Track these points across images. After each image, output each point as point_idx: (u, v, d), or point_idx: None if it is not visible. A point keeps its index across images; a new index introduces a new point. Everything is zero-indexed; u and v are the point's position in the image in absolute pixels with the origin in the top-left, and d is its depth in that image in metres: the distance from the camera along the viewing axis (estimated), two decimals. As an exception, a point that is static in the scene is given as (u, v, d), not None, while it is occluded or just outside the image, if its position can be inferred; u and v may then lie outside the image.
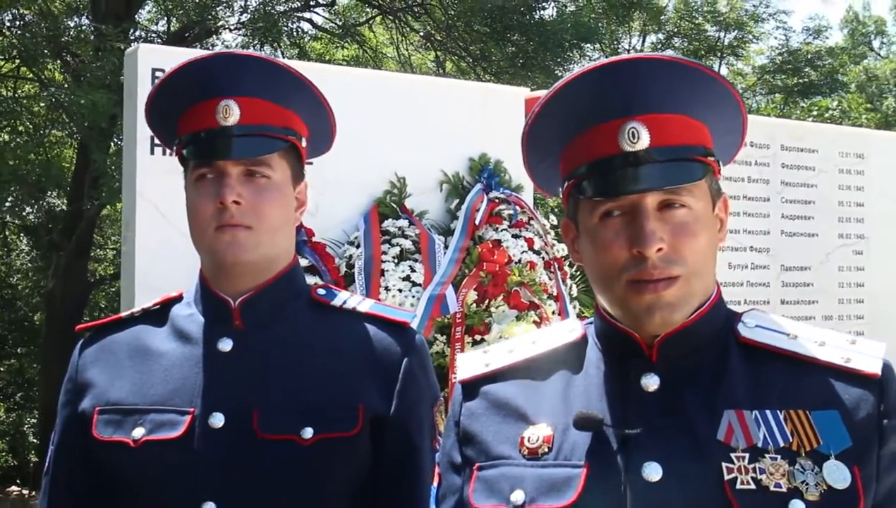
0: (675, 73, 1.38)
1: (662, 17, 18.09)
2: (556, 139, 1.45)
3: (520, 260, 5.08)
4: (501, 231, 5.09)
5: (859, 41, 27.43)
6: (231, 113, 1.73)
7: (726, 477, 1.32)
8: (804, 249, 6.77)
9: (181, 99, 1.77)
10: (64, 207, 10.91)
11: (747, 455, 1.33)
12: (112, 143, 9.13)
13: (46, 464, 1.86)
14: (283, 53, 11.06)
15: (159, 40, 10.99)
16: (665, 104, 1.39)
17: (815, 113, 17.33)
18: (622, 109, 1.38)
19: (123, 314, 1.92)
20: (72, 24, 10.22)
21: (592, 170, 1.40)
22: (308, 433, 1.69)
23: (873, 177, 7.11)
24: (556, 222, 5.57)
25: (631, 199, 1.37)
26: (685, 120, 1.41)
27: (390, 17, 12.44)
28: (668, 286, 1.36)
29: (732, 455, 1.34)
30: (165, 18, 11.95)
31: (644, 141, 1.37)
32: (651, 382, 1.41)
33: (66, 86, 8.93)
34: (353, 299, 1.88)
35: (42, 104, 9.78)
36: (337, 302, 1.87)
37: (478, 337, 4.82)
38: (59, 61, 10.07)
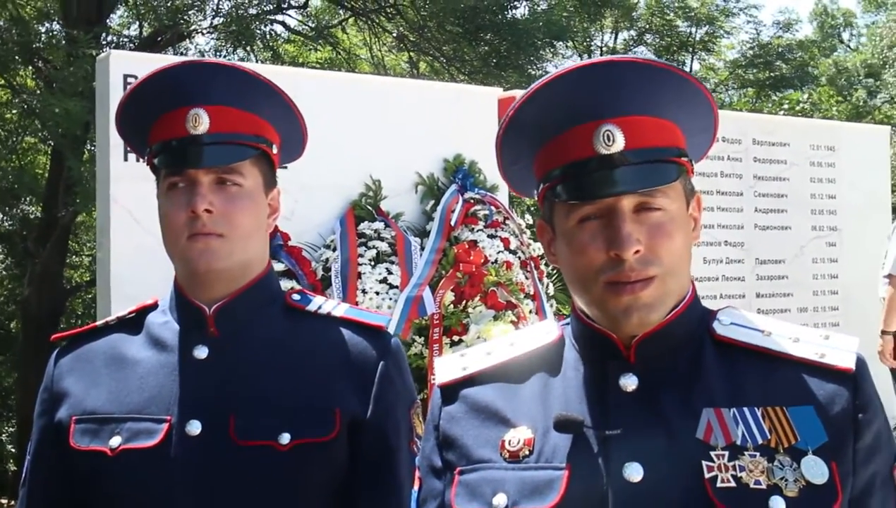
0: (648, 75, 1.38)
1: (634, 14, 18.19)
2: (531, 142, 1.46)
3: (496, 260, 5.09)
4: (477, 231, 5.11)
5: (828, 33, 27.64)
6: (201, 121, 1.74)
7: (707, 476, 1.32)
8: (778, 242, 6.83)
9: (151, 108, 1.78)
10: (38, 214, 10.84)
11: (727, 453, 1.34)
12: (86, 150, 9.08)
13: (23, 474, 1.86)
14: (256, 57, 11.02)
15: (131, 45, 10.91)
16: (638, 106, 1.39)
17: (786, 106, 17.45)
18: (596, 112, 1.38)
19: (98, 323, 1.92)
20: (43, 30, 10.14)
21: (567, 173, 1.40)
22: (285, 438, 1.69)
23: (844, 169, 7.18)
24: (531, 221, 5.59)
25: (607, 202, 1.38)
26: (658, 121, 1.41)
27: (363, 19, 12.42)
28: (644, 287, 1.37)
29: (712, 453, 1.34)
30: (137, 23, 11.88)
31: (619, 143, 1.37)
32: (629, 382, 1.41)
33: (38, 92, 8.87)
34: (328, 304, 1.89)
35: (14, 111, 9.71)
36: (312, 307, 1.87)
37: (456, 338, 4.83)
38: (30, 67, 10.00)
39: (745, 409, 1.38)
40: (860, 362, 1.42)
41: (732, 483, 1.32)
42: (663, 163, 1.40)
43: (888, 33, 21.94)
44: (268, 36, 11.24)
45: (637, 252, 1.36)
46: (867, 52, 25.34)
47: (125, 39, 11.68)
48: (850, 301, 7.04)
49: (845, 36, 28.64)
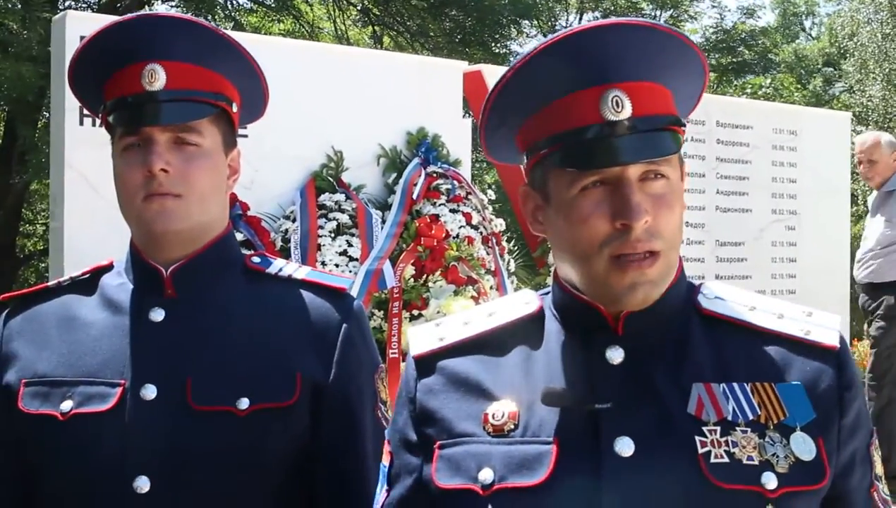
0: (653, 39, 1.33)
1: (599, -6, 18.19)
2: (525, 105, 1.40)
3: (458, 235, 5.08)
4: (439, 205, 5.08)
5: (791, 21, 27.90)
6: (157, 77, 1.67)
7: (700, 451, 1.31)
8: (738, 225, 6.88)
9: (105, 64, 1.71)
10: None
11: (719, 428, 1.32)
12: (41, 118, 8.92)
13: (-30, 439, 1.79)
14: (217, 26, 10.90)
15: (90, 10, 10.74)
16: (642, 72, 1.34)
17: (748, 91, 17.60)
18: (601, 76, 1.33)
19: (50, 283, 1.86)
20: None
21: (570, 138, 1.34)
22: (244, 403, 1.65)
23: (805, 153, 7.24)
24: (494, 197, 5.58)
25: (613, 171, 1.32)
26: (658, 88, 1.37)
27: (327, -9, 12.31)
28: (652, 263, 1.33)
29: (704, 428, 1.32)
30: (96, -12, 11.68)
31: (627, 110, 1.32)
32: (616, 355, 1.38)
33: (-9, 56, 8.69)
34: (288, 266, 1.84)
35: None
36: (272, 269, 1.83)
37: (415, 312, 4.81)
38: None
39: (735, 385, 1.36)
40: (842, 340, 1.41)
41: (726, 459, 1.30)
42: (666, 132, 1.36)
43: (848, 23, 22.16)
44: (229, 6, 11.10)
45: (646, 222, 1.32)
46: (825, 42, 25.62)
47: (83, 5, 11.49)
48: (808, 284, 7.11)
49: (807, 24, 28.92)
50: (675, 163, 1.39)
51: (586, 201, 1.34)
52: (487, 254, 5.23)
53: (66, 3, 10.58)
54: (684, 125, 1.42)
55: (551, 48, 1.34)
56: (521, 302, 1.53)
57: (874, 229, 6.17)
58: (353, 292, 4.51)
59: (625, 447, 1.32)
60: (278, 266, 1.84)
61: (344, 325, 1.76)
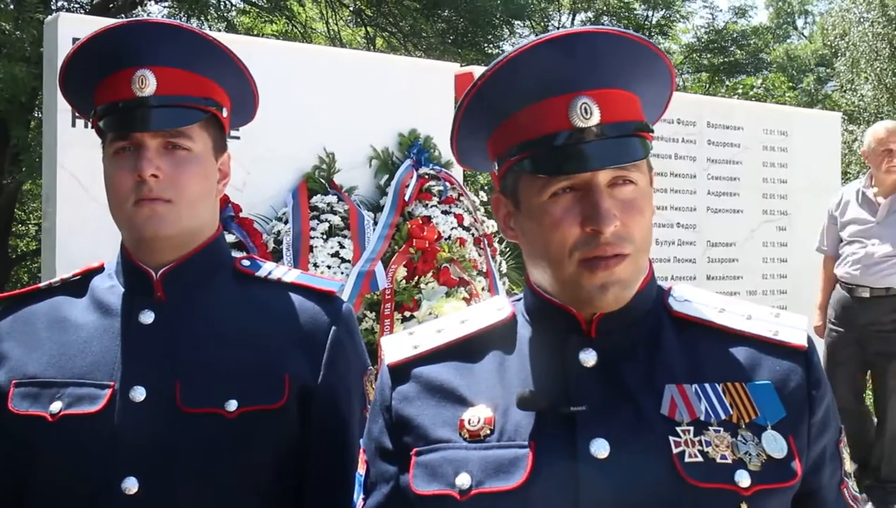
0: (623, 48, 1.37)
1: (592, -5, 18.20)
2: (496, 113, 1.42)
3: (449, 237, 5.08)
4: (431, 207, 5.08)
5: (784, 21, 27.93)
6: (147, 83, 1.69)
7: (675, 451, 1.33)
8: (729, 225, 6.90)
9: (96, 68, 1.72)
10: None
11: (692, 428, 1.34)
12: (33, 118, 8.91)
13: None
14: (210, 27, 10.88)
15: (82, 11, 10.72)
16: (612, 79, 1.37)
17: (739, 91, 17.62)
18: (572, 84, 1.35)
19: (41, 285, 1.87)
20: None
21: (540, 145, 1.37)
22: (232, 405, 1.66)
23: (796, 154, 7.26)
24: (486, 198, 5.58)
25: (583, 177, 1.35)
26: (627, 95, 1.40)
27: (320, -8, 12.31)
28: (619, 262, 1.35)
29: (678, 428, 1.34)
30: (89, -11, 11.66)
31: (595, 117, 1.34)
32: (589, 357, 1.40)
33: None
34: (278, 269, 1.86)
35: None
36: (262, 272, 1.84)
37: (407, 314, 4.81)
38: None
39: (707, 385, 1.38)
40: (809, 339, 1.44)
41: (700, 458, 1.32)
42: (634, 138, 1.39)
43: (840, 22, 22.20)
44: (222, 6, 11.09)
45: (615, 227, 1.34)
46: (818, 42, 25.66)
47: (76, 6, 11.47)
48: (799, 285, 7.12)
49: (800, 23, 28.96)
50: (644, 168, 1.41)
51: (556, 207, 1.36)
52: (479, 255, 5.24)
53: (59, 4, 10.57)
54: (652, 131, 1.44)
55: (521, 56, 1.36)
56: (494, 308, 1.55)
57: (889, 233, 5.73)
58: (346, 293, 4.53)
59: (600, 448, 1.33)
60: (268, 269, 1.85)
61: (333, 328, 1.78)
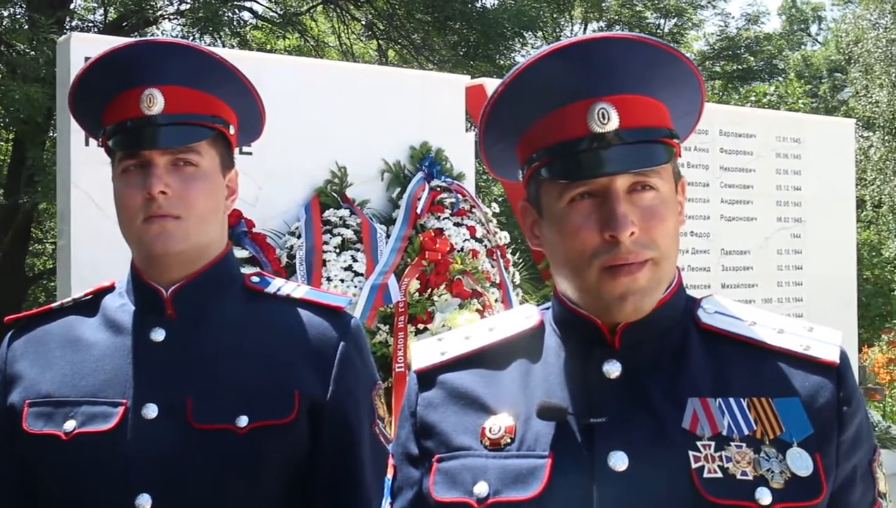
0: (642, 52, 1.35)
1: (603, 5, 18.22)
2: (518, 120, 1.41)
3: (462, 249, 5.08)
4: (443, 219, 5.09)
5: (797, 27, 27.86)
6: (155, 102, 1.71)
7: (693, 466, 1.31)
8: (743, 233, 6.87)
9: (104, 88, 1.75)
10: (0, 201, 10.71)
11: (713, 443, 1.32)
12: (47, 138, 8.97)
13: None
14: (223, 43, 10.94)
15: (96, 30, 10.81)
16: (632, 84, 1.36)
17: (752, 98, 17.58)
18: (590, 90, 1.35)
19: (53, 305, 1.89)
20: (6, 14, 10.01)
21: (558, 151, 1.36)
22: (243, 421, 1.68)
23: (810, 161, 7.22)
24: (498, 210, 5.59)
25: (601, 182, 1.34)
26: (650, 101, 1.38)
27: (332, 6, 12.36)
28: (640, 269, 1.34)
29: (698, 443, 1.32)
30: (102, 8, 11.75)
31: (614, 122, 1.33)
32: (613, 369, 1.38)
33: (0, 77, 8.76)
34: (287, 286, 1.87)
35: (-25, 96, 9.57)
36: (271, 289, 1.85)
37: (421, 326, 4.82)
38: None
39: (731, 399, 1.36)
40: (843, 355, 1.41)
41: (719, 474, 1.30)
42: (656, 144, 1.37)
43: (853, 29, 22.13)
44: (235, 22, 11.15)
45: (632, 233, 1.32)
46: (832, 48, 25.58)
47: (89, 24, 11.57)
48: (814, 292, 7.09)
49: (813, 30, 28.89)
50: (667, 175, 1.39)
51: (575, 213, 1.35)
52: (492, 266, 5.24)
53: (73, 24, 10.65)
54: (678, 138, 1.42)
55: (541, 62, 1.36)
56: (522, 316, 1.54)
57: None
58: (359, 307, 4.54)
59: (618, 461, 1.32)
60: (277, 285, 1.86)
61: (342, 343, 1.79)
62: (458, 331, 1.57)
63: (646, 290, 1.36)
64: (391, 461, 1.53)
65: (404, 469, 1.49)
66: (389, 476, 1.53)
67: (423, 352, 1.54)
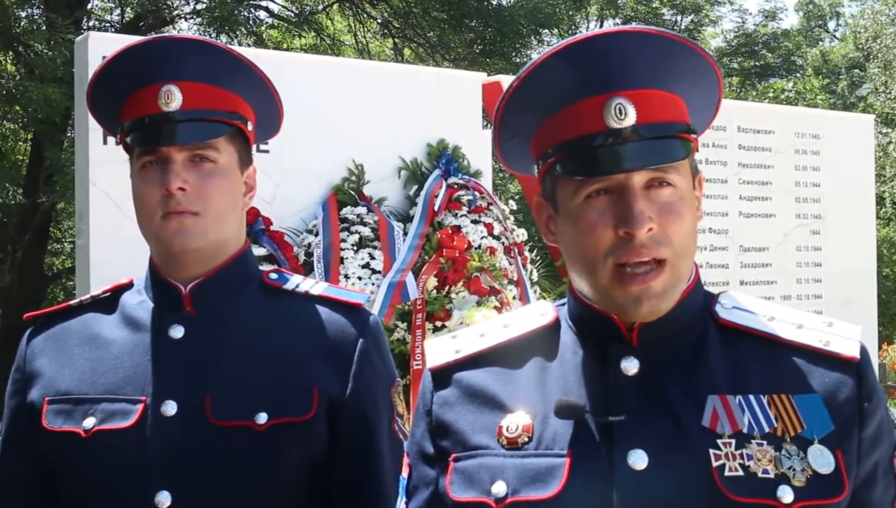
0: (659, 46, 1.33)
1: (619, 1, 18.16)
2: (533, 115, 1.40)
3: (479, 246, 5.08)
4: (461, 216, 5.08)
5: (814, 23, 27.72)
6: (173, 98, 1.70)
7: (714, 464, 1.29)
8: (762, 230, 6.84)
9: (122, 85, 1.74)
10: (20, 200, 10.76)
11: (734, 441, 1.31)
12: (66, 138, 9.00)
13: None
14: (239, 42, 10.95)
15: (113, 30, 10.84)
16: (648, 79, 1.34)
17: (770, 95, 17.50)
18: (606, 84, 1.33)
19: (73, 302, 1.89)
20: (24, 15, 10.05)
21: (574, 147, 1.34)
22: (262, 418, 1.67)
23: (828, 157, 7.19)
24: (515, 207, 5.58)
25: (617, 179, 1.32)
26: (667, 95, 1.36)
27: (347, 4, 12.37)
28: (656, 275, 1.32)
29: (719, 441, 1.31)
30: (119, 7, 11.78)
31: (631, 117, 1.31)
32: (631, 366, 1.37)
33: (17, 77, 8.80)
34: (305, 282, 1.86)
35: (-6, 96, 9.62)
36: (289, 285, 1.85)
37: (438, 324, 4.82)
38: (10, 53, 9.91)
39: (751, 396, 1.34)
40: (864, 351, 1.39)
41: (740, 472, 1.29)
42: (673, 139, 1.35)
43: (871, 25, 21.99)
44: (251, 21, 11.17)
45: (650, 230, 1.31)
46: (850, 44, 25.44)
47: (106, 24, 11.60)
48: (833, 289, 7.05)
49: (831, 26, 28.74)
50: (685, 171, 1.37)
51: (591, 210, 1.34)
52: (510, 264, 5.23)
53: (90, 24, 10.69)
54: (696, 133, 1.40)
55: (555, 57, 1.34)
56: (537, 313, 1.52)
57: None
58: (377, 304, 4.54)
59: (638, 460, 1.31)
60: (295, 282, 1.86)
61: (360, 340, 1.78)
62: (473, 329, 1.56)
63: (661, 295, 1.34)
64: (406, 459, 1.52)
65: (419, 468, 1.48)
66: (404, 475, 1.52)
67: (437, 350, 1.53)
